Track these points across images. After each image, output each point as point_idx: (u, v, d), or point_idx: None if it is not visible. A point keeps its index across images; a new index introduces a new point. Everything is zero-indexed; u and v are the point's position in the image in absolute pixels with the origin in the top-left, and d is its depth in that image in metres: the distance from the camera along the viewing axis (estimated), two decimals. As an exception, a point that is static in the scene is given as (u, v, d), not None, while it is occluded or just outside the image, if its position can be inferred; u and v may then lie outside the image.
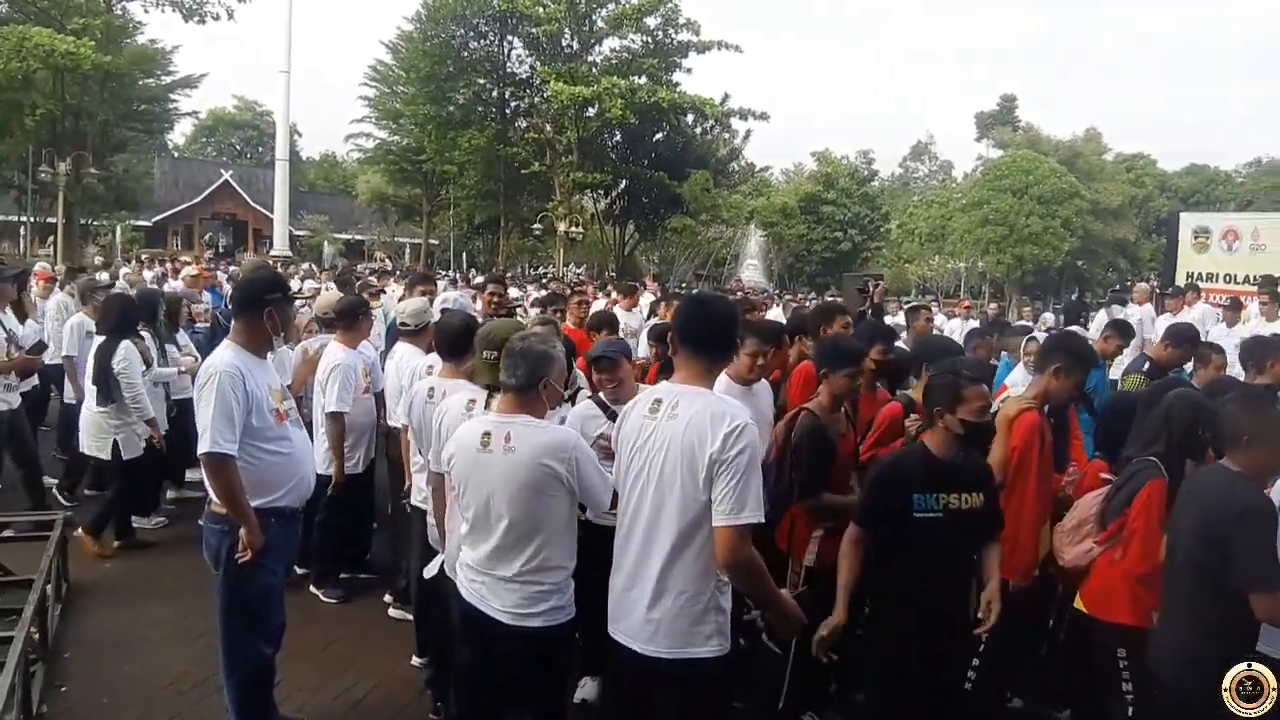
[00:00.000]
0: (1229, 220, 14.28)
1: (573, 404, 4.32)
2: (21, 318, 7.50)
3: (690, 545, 2.68)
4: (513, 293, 14.24)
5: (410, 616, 4.96)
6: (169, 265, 21.44)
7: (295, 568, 5.49)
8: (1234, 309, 10.11)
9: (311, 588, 5.68)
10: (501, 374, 3.13)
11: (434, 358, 4.88)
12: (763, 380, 4.63)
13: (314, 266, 26.13)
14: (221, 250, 48.91)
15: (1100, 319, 11.40)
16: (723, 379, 3.74)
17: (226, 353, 3.63)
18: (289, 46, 34.76)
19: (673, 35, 32.94)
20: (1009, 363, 6.72)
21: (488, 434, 3.05)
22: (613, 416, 3.83)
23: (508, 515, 3.00)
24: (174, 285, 12.89)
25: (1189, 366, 6.16)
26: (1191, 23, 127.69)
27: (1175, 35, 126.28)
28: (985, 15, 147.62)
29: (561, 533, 3.07)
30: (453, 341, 4.21)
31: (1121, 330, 7.05)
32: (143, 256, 27.26)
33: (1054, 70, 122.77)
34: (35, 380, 7.54)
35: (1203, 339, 9.63)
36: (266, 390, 3.66)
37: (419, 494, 4.54)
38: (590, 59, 33.90)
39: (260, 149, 64.34)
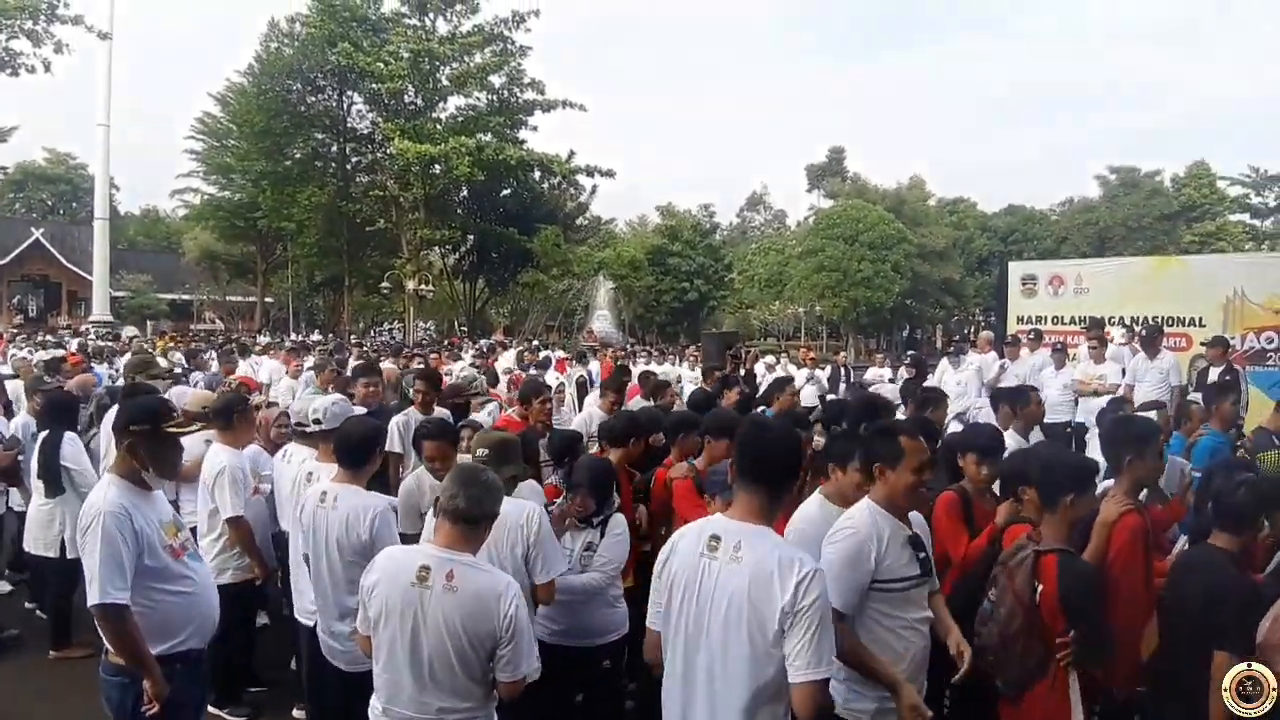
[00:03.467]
0: (1054, 268, 15.43)
1: (604, 526, 4.03)
2: None
3: (764, 706, 2.52)
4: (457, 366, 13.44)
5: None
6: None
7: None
8: (1061, 352, 10.85)
9: (212, 709, 5.17)
10: (459, 501, 2.91)
11: (313, 464, 4.68)
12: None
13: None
14: (33, 315, 45.16)
15: (943, 367, 12.05)
16: (866, 504, 3.23)
17: (109, 489, 3.30)
18: (108, 98, 32.98)
19: (518, 94, 33.15)
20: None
21: (426, 568, 2.85)
22: None
23: (435, 655, 2.83)
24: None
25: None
26: (1000, 72, 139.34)
27: (988, 84, 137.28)
28: (810, 73, 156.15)
29: (486, 675, 2.92)
30: (355, 449, 4.02)
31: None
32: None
33: (878, 123, 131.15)
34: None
35: (1036, 384, 10.45)
36: (157, 526, 3.34)
37: (304, 610, 4.29)
38: (435, 115, 33.61)
39: (74, 204, 60.09)
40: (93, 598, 3.14)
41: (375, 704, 3.00)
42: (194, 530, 4.88)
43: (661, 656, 2.77)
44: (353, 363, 11.15)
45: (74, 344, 18.15)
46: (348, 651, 3.80)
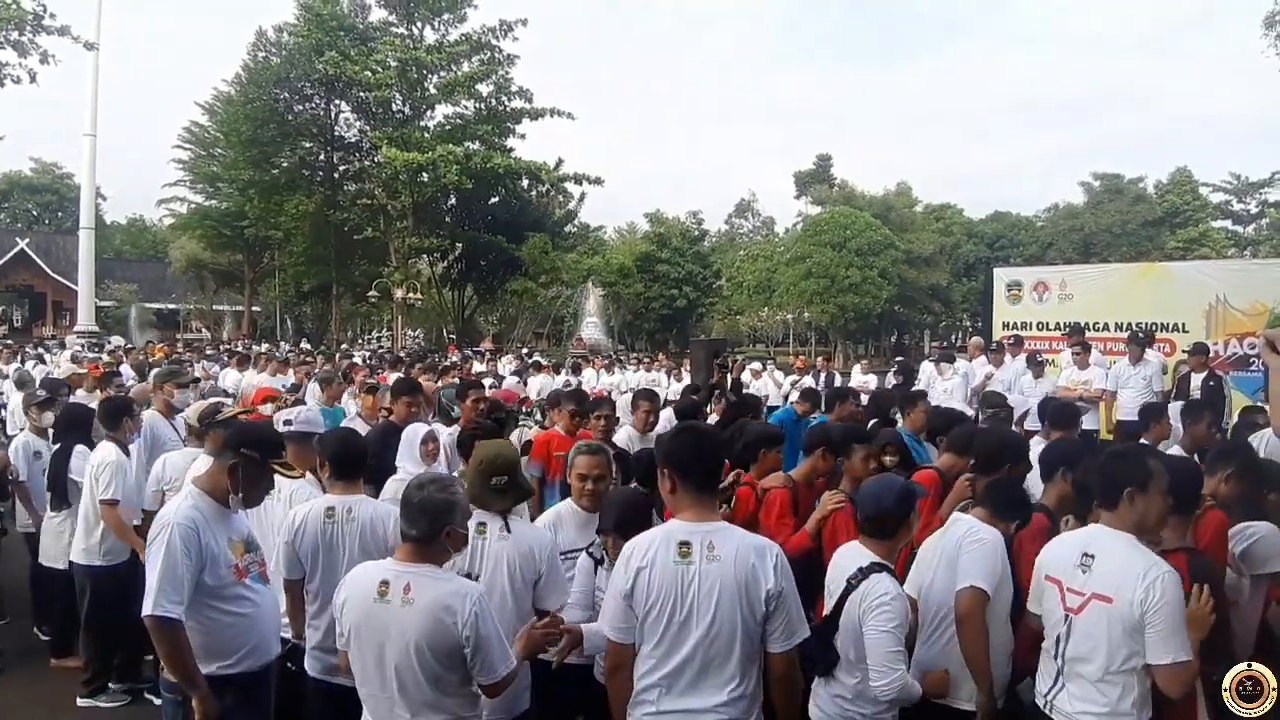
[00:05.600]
0: (1038, 274, 15.55)
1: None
2: None
3: (749, 678, 2.75)
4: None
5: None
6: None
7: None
8: (1036, 364, 10.74)
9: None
10: (402, 524, 2.95)
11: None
12: None
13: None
14: (17, 325, 44.87)
15: (928, 373, 12.12)
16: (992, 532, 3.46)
17: (185, 501, 3.30)
18: (94, 108, 32.79)
19: (506, 102, 33.16)
20: None
21: (386, 583, 2.87)
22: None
23: (402, 670, 2.82)
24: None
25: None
26: (986, 80, 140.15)
27: (973, 92, 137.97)
28: (797, 80, 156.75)
29: (460, 684, 2.89)
30: (356, 457, 4.01)
31: None
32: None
33: (864, 130, 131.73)
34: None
35: (1020, 390, 10.50)
36: (226, 543, 3.32)
37: (319, 659, 3.80)
38: (423, 124, 33.62)
39: (60, 214, 59.90)
40: (146, 608, 3.10)
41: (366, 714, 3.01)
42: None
43: (624, 667, 2.85)
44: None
45: (66, 354, 17.96)
46: None
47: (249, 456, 3.36)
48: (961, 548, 3.41)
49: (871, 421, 6.68)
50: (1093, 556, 2.95)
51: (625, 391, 15.00)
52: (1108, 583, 2.86)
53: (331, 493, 3.96)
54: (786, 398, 12.95)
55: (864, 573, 3.17)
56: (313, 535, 3.82)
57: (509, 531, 3.51)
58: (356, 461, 4.00)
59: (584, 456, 3.92)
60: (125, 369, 14.24)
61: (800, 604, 2.79)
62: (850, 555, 3.30)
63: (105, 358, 18.52)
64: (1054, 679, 3.02)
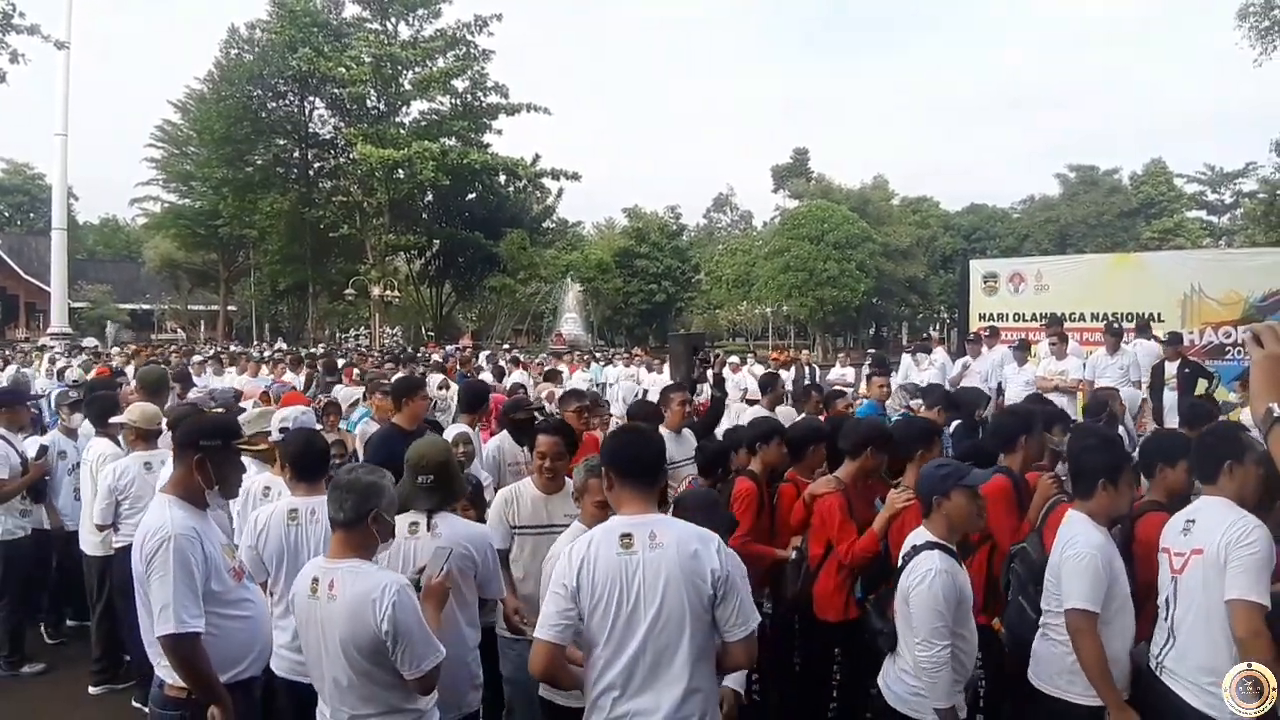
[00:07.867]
0: (1014, 265, 15.64)
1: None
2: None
3: (703, 665, 2.72)
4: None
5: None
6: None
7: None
8: (1022, 349, 10.87)
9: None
10: (331, 507, 2.93)
11: (268, 477, 4.44)
12: None
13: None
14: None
15: (906, 365, 12.17)
16: (1085, 520, 3.34)
17: (173, 510, 3.12)
18: (65, 107, 32.35)
19: (481, 98, 33.04)
20: None
21: (316, 580, 2.88)
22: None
23: (334, 665, 2.83)
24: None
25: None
26: (961, 74, 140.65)
27: (949, 85, 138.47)
28: (774, 74, 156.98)
29: (390, 675, 2.83)
30: (319, 459, 3.95)
31: None
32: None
33: (840, 124, 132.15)
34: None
35: (999, 380, 10.55)
36: (220, 547, 3.21)
37: (285, 658, 3.70)
38: (398, 120, 33.43)
39: (32, 215, 59.14)
40: (164, 627, 2.94)
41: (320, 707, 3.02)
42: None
43: (557, 670, 2.78)
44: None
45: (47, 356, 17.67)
46: None
47: (211, 447, 3.23)
48: (1063, 562, 3.32)
49: (955, 423, 6.58)
50: (1194, 521, 3.16)
51: (598, 386, 15.02)
52: (1203, 537, 3.06)
53: (295, 495, 3.89)
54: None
55: (915, 550, 3.32)
56: (276, 538, 3.77)
57: (430, 529, 3.44)
58: (318, 462, 3.93)
59: (545, 436, 4.05)
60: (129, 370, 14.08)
61: (750, 591, 2.77)
62: (913, 536, 3.47)
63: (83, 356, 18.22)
64: (1165, 639, 3.18)
